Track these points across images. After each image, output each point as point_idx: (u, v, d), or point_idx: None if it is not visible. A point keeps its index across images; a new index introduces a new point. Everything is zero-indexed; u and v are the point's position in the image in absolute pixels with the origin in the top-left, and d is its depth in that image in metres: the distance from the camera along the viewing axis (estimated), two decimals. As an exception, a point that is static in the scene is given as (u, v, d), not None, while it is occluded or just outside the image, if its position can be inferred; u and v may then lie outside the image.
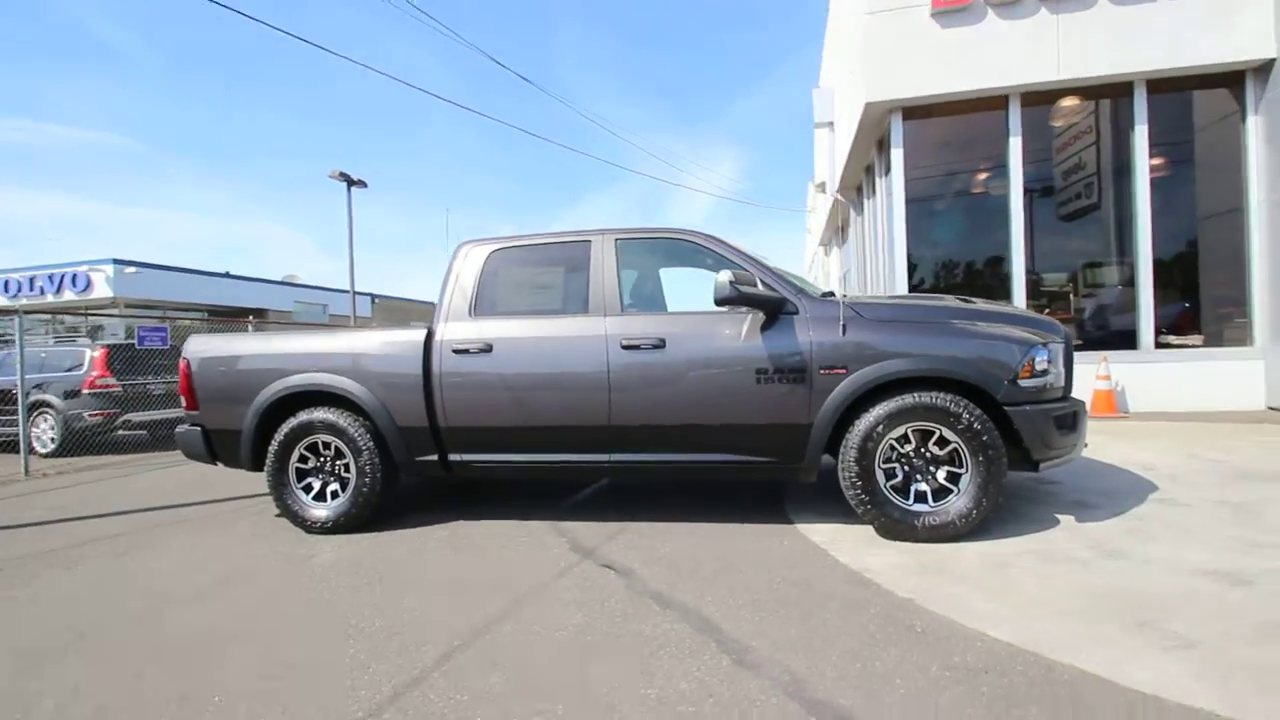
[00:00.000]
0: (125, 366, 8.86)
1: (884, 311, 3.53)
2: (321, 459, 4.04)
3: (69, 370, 8.80)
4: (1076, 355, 3.94)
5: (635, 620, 2.55)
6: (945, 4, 7.81)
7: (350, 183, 20.37)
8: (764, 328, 3.50)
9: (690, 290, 4.71)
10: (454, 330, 3.89)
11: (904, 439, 3.36)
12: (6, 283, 26.12)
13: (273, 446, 4.00)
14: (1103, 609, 2.46)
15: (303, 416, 3.98)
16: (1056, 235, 8.67)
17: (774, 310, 3.50)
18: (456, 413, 3.82)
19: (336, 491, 4.02)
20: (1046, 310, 8.17)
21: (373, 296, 38.54)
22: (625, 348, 3.61)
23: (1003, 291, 8.25)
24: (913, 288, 8.78)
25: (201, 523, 4.46)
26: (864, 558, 3.14)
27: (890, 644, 2.28)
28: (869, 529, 3.51)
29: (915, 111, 8.44)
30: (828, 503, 4.12)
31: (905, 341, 3.36)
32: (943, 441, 3.32)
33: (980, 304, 3.88)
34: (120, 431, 8.83)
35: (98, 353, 8.71)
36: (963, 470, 3.29)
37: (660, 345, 3.59)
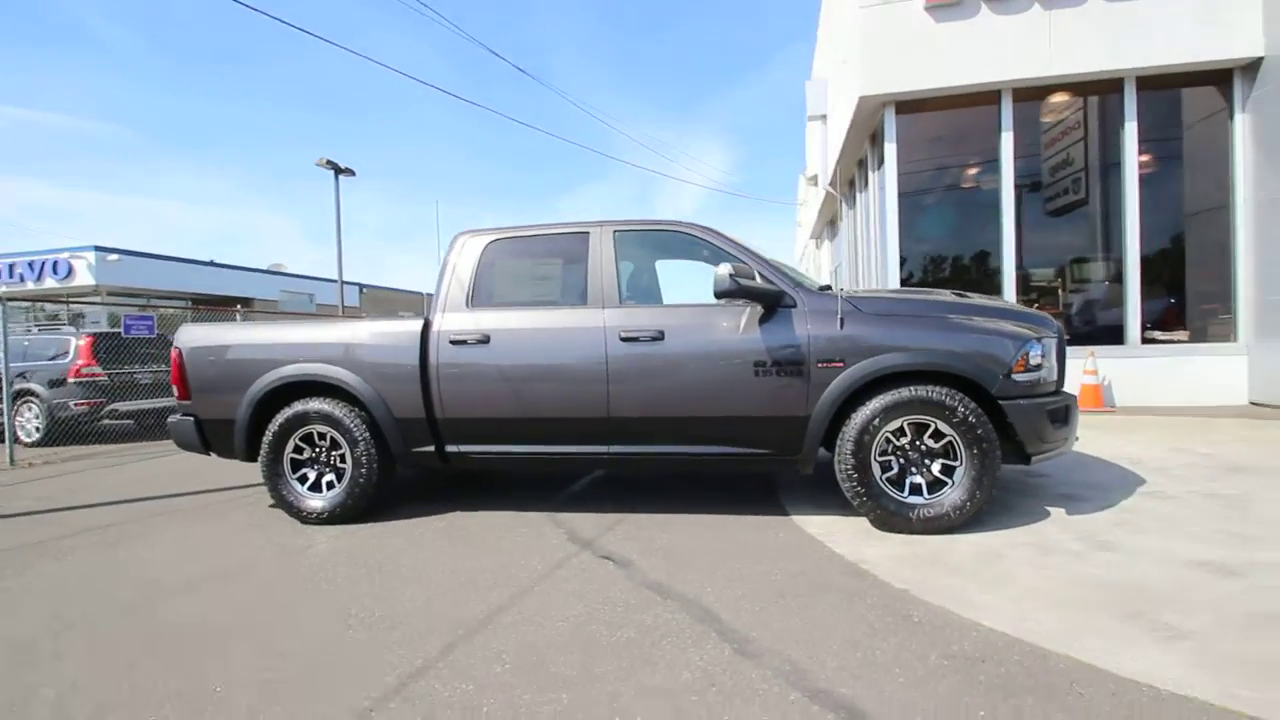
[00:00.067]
0: (111, 355, 8.75)
1: (881, 305, 3.55)
2: (317, 449, 4.02)
3: (53, 358, 8.67)
4: (1065, 350, 3.99)
5: (636, 610, 2.57)
6: (940, -2, 7.82)
7: (338, 171, 20.11)
8: (762, 321, 3.52)
9: (683, 282, 4.73)
10: (451, 321, 3.88)
11: (899, 432, 3.39)
12: (-14, 269, 25.64)
13: (267, 437, 3.97)
14: (1096, 600, 2.50)
15: (298, 407, 3.95)
16: (1044, 230, 8.75)
17: (772, 303, 3.51)
18: (454, 404, 3.81)
19: (332, 482, 4.00)
20: (1036, 305, 8.26)
21: (360, 286, 38.21)
22: (624, 340, 3.61)
23: (992, 286, 8.33)
24: (903, 281, 8.84)
25: (193, 513, 4.43)
26: (860, 549, 3.18)
27: (889, 633, 2.31)
28: (863, 521, 3.54)
29: (908, 105, 8.47)
30: (822, 494, 4.16)
31: (902, 335, 3.39)
32: (938, 435, 3.35)
33: (975, 299, 3.92)
34: (106, 421, 8.73)
35: (83, 341, 8.59)
36: (957, 463, 3.33)
37: (659, 337, 3.59)
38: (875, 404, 3.35)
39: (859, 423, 3.36)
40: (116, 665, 2.30)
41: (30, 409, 8.43)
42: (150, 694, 2.09)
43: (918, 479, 3.39)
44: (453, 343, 3.81)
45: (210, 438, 4.20)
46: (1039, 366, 3.37)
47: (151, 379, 9.17)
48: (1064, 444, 3.52)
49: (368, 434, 3.88)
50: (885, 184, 8.64)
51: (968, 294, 4.10)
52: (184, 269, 27.83)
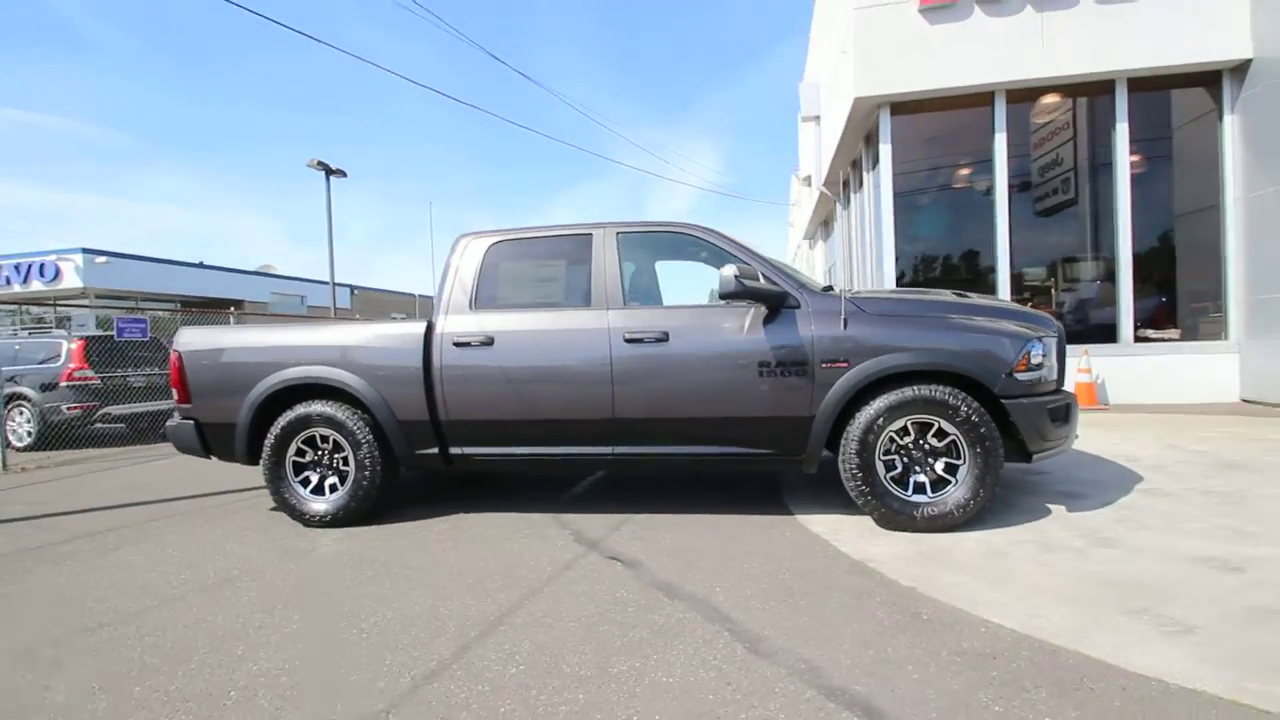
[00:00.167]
0: (103, 358, 8.67)
1: (884, 306, 3.58)
2: (319, 452, 4.01)
3: (43, 362, 8.59)
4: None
5: (647, 610, 2.58)
6: (933, 0, 7.89)
7: (329, 172, 20.03)
8: (766, 321, 3.53)
9: (680, 283, 4.75)
10: (454, 323, 3.87)
11: (903, 431, 3.42)
12: (-29, 273, 25.31)
13: (269, 440, 3.95)
14: (1101, 596, 2.53)
15: (300, 410, 3.93)
16: (1034, 230, 8.82)
17: (776, 304, 3.53)
18: (458, 406, 3.81)
19: (335, 485, 3.98)
20: (1030, 304, 8.33)
21: (351, 288, 38.04)
22: (628, 341, 3.62)
23: (986, 286, 8.40)
24: (897, 281, 8.89)
25: (192, 517, 4.40)
26: (865, 548, 3.20)
27: (899, 631, 2.33)
28: (867, 519, 3.57)
29: (903, 107, 8.53)
30: (825, 493, 4.19)
31: (905, 335, 3.42)
32: (941, 433, 3.38)
33: (975, 298, 3.95)
34: (99, 425, 8.65)
35: (75, 344, 8.51)
36: (960, 462, 3.36)
37: (663, 338, 3.60)
38: (879, 404, 3.38)
39: (863, 422, 3.38)
40: (127, 670, 2.28)
41: (21, 413, 8.34)
42: (164, 699, 2.08)
43: (921, 478, 3.42)
44: (456, 345, 3.81)
45: (211, 441, 4.17)
46: (1040, 365, 3.41)
47: (144, 382, 9.10)
48: (1065, 442, 3.56)
49: (371, 436, 3.87)
50: (880, 184, 8.70)
51: (968, 294, 4.14)
52: (173, 271, 27.60)
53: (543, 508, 4.19)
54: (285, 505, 4.00)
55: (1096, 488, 4.08)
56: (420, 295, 41.76)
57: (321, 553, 3.50)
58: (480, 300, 3.94)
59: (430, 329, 3.89)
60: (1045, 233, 8.84)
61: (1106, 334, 8.09)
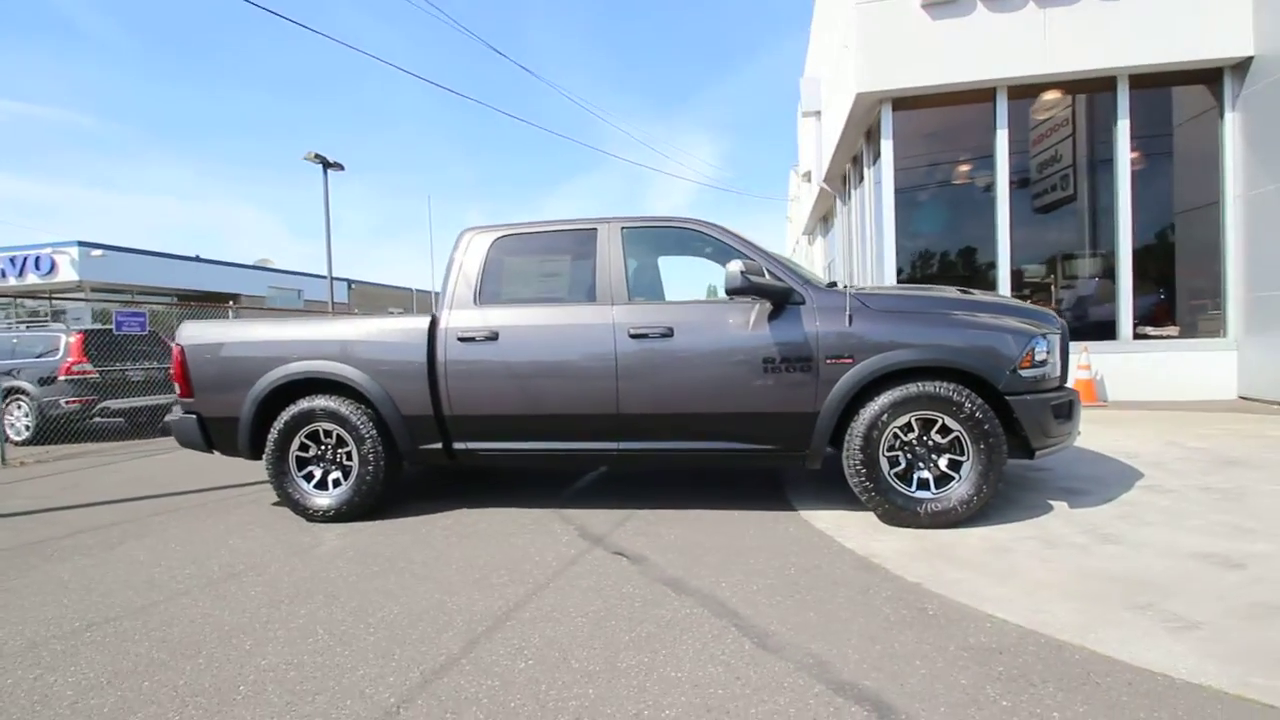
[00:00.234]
0: (101, 352, 8.64)
1: (889, 302, 3.59)
2: (322, 447, 4.00)
3: (41, 356, 8.55)
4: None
5: (654, 606, 2.59)
6: (936, -4, 7.87)
7: (326, 165, 19.93)
8: (771, 317, 3.54)
9: (681, 278, 4.75)
10: (459, 318, 3.87)
11: (907, 427, 3.43)
12: (-35, 266, 25.17)
13: (272, 434, 3.95)
14: (1105, 591, 2.55)
15: (303, 404, 3.93)
16: (1032, 227, 8.81)
17: (781, 300, 3.53)
18: (462, 401, 3.81)
19: (338, 480, 3.98)
20: (1030, 301, 8.34)
21: (349, 282, 37.95)
22: (633, 336, 3.62)
23: (986, 282, 8.40)
24: (897, 277, 8.89)
25: (194, 512, 4.39)
26: (869, 543, 3.21)
27: (905, 626, 2.34)
28: (869, 515, 3.59)
29: (904, 102, 8.51)
30: (828, 489, 4.20)
31: (910, 332, 3.43)
32: (944, 430, 3.39)
33: (979, 295, 3.96)
34: (97, 419, 8.62)
35: (74, 338, 8.47)
36: (964, 458, 3.37)
37: (668, 334, 3.60)
38: (883, 400, 3.38)
39: (867, 419, 3.39)
40: (134, 665, 2.28)
41: (19, 407, 8.31)
42: (173, 693, 2.08)
43: (925, 474, 3.44)
44: (461, 340, 3.80)
45: (213, 435, 4.16)
46: (1044, 362, 3.42)
47: (143, 376, 9.07)
48: (1067, 438, 3.57)
49: (374, 431, 3.87)
50: (881, 179, 8.69)
51: (971, 290, 4.14)
52: (170, 265, 27.51)
53: (545, 503, 4.20)
54: (288, 500, 4.00)
55: (1098, 484, 4.10)
56: (418, 290, 41.70)
57: (326, 548, 3.50)
58: (484, 295, 3.93)
59: (434, 324, 3.89)
60: (1044, 229, 8.84)
61: (1105, 331, 8.11)
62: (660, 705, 1.90)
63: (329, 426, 3.93)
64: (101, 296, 23.15)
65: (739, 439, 3.61)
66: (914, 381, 3.38)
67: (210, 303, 22.53)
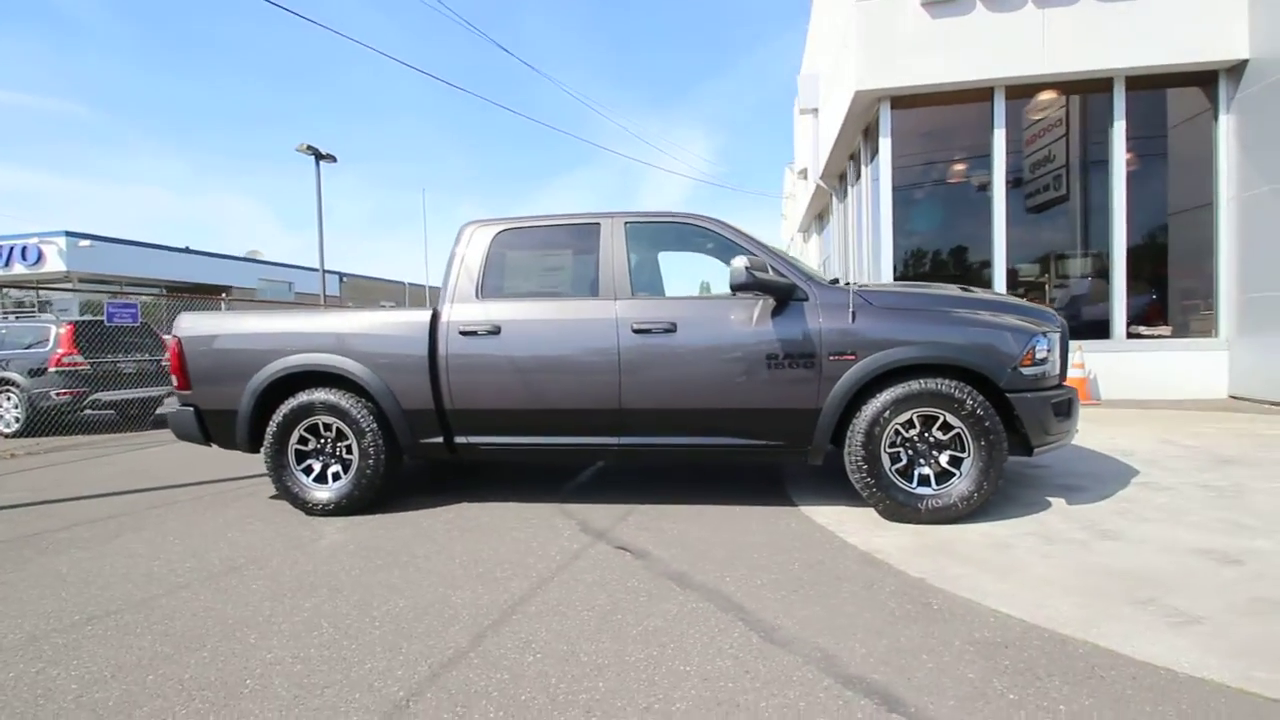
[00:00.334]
0: (92, 344, 8.55)
1: (891, 299, 3.60)
2: (322, 440, 3.98)
3: (30, 347, 8.46)
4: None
5: (660, 600, 2.59)
6: (935, -6, 7.88)
7: (319, 157, 19.77)
8: (774, 314, 3.54)
9: (679, 273, 4.75)
10: (460, 312, 3.85)
11: (908, 424, 3.45)
12: (-49, 255, 24.81)
13: (271, 427, 3.92)
14: (1106, 587, 2.58)
15: (303, 397, 3.90)
16: (1025, 226, 8.85)
17: (785, 296, 3.54)
18: (463, 395, 3.79)
19: (338, 473, 3.96)
20: (1026, 299, 8.38)
21: (340, 275, 37.72)
22: (636, 331, 3.62)
23: (982, 281, 8.45)
24: (894, 276, 8.92)
25: (191, 505, 4.36)
26: (871, 539, 3.23)
27: (910, 621, 2.36)
28: (869, 510, 3.60)
29: (903, 100, 8.53)
30: (827, 485, 4.22)
31: (913, 329, 3.44)
32: (946, 426, 3.41)
33: (980, 293, 3.98)
34: (88, 411, 8.54)
35: (64, 329, 8.38)
36: (965, 455, 3.39)
37: (671, 329, 3.60)
38: (885, 396, 3.40)
39: (869, 415, 3.40)
40: (138, 659, 2.27)
41: (9, 398, 8.21)
42: (179, 687, 2.07)
43: (926, 470, 3.46)
44: (463, 334, 3.79)
45: (211, 428, 4.13)
46: (1045, 360, 3.45)
47: (135, 368, 8.99)
48: (1066, 436, 3.60)
49: (375, 425, 3.85)
50: (879, 177, 8.72)
51: (972, 288, 4.16)
52: (159, 256, 27.22)
53: (546, 498, 4.19)
54: (288, 494, 3.97)
55: (1095, 481, 4.13)
56: (410, 283, 41.49)
57: (327, 541, 3.48)
58: (486, 289, 3.92)
59: (436, 318, 3.87)
60: (1037, 229, 8.89)
61: (1097, 330, 8.17)
62: (671, 698, 1.90)
63: (329, 420, 3.91)
64: (90, 287, 22.93)
65: (741, 435, 3.61)
66: (916, 378, 3.40)
67: (199, 294, 22.32)
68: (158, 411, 8.67)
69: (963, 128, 8.77)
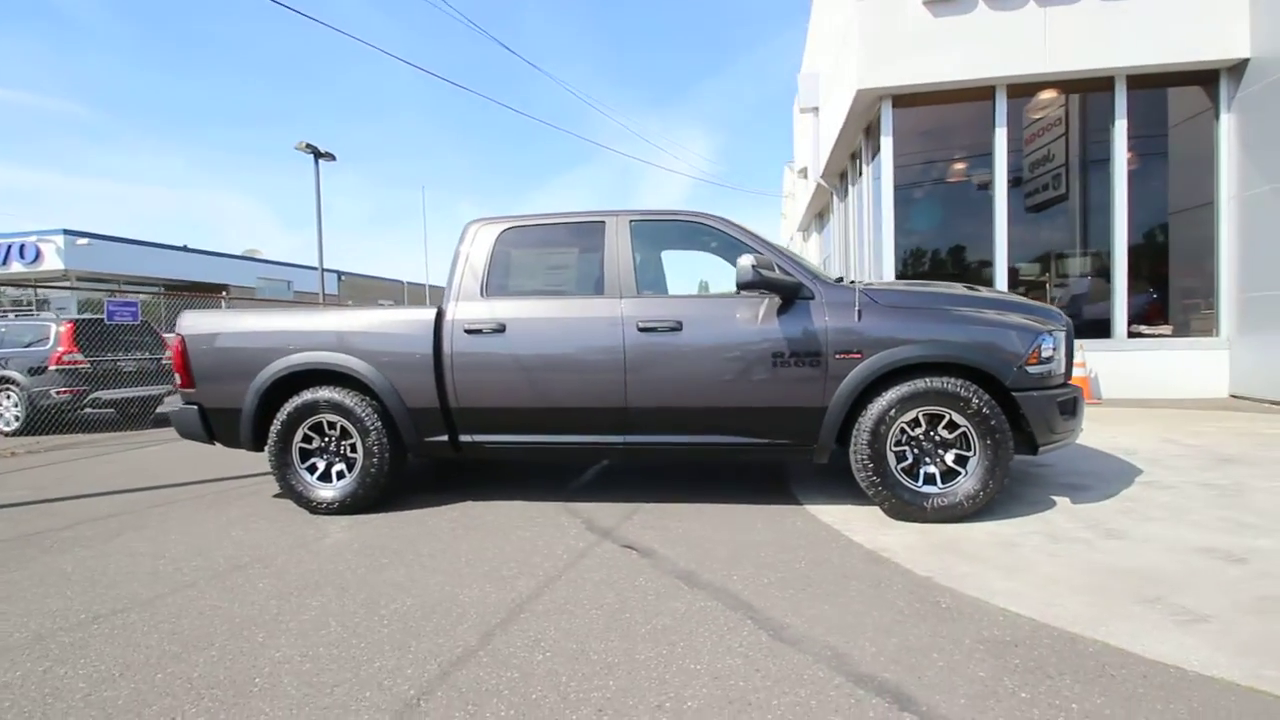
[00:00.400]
0: (92, 342, 8.53)
1: (897, 298, 3.60)
2: (326, 439, 3.97)
3: (29, 345, 8.43)
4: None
5: (668, 598, 2.59)
6: (937, -7, 7.88)
7: (318, 155, 19.75)
8: (780, 312, 3.54)
9: (682, 271, 4.75)
10: (465, 310, 3.84)
11: (914, 423, 3.45)
12: (-52, 254, 24.74)
13: (275, 426, 3.91)
14: (1113, 585, 2.58)
15: (307, 396, 3.89)
16: (1024, 225, 8.84)
17: (791, 295, 3.54)
18: (468, 393, 3.79)
19: (342, 472, 3.96)
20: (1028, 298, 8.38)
21: (339, 273, 37.67)
22: (642, 330, 3.62)
23: (983, 280, 8.45)
24: (896, 275, 8.92)
25: (193, 503, 4.35)
26: (877, 537, 3.23)
27: (919, 619, 2.36)
28: (875, 509, 3.61)
29: (904, 99, 8.53)
30: (831, 483, 4.22)
31: (919, 328, 3.44)
32: (951, 425, 3.42)
33: (985, 292, 3.98)
34: (88, 410, 8.52)
35: (64, 327, 8.35)
36: (970, 453, 3.39)
37: (677, 328, 3.60)
38: (891, 395, 3.40)
39: (875, 414, 3.40)
40: (146, 658, 2.26)
41: (9, 397, 8.19)
42: (188, 686, 2.06)
43: (931, 469, 3.46)
44: (468, 332, 3.78)
45: (215, 426, 4.12)
46: (1050, 359, 3.45)
47: (135, 367, 8.97)
48: (1071, 435, 3.60)
49: (379, 423, 3.84)
50: (881, 176, 8.72)
51: (977, 287, 4.17)
52: (157, 254, 27.18)
53: (551, 496, 4.19)
54: (292, 492, 3.97)
55: (1099, 480, 4.14)
56: (409, 282, 41.45)
57: (332, 540, 3.48)
58: (491, 288, 3.91)
59: (440, 316, 3.86)
60: (1036, 228, 8.90)
61: (1097, 329, 8.18)
62: (682, 697, 1.90)
63: (333, 418, 3.90)
64: (88, 286, 22.89)
65: (746, 433, 3.61)
66: (921, 377, 3.40)
67: (197, 293, 22.26)
68: (158, 410, 8.66)
69: (964, 126, 8.76)
